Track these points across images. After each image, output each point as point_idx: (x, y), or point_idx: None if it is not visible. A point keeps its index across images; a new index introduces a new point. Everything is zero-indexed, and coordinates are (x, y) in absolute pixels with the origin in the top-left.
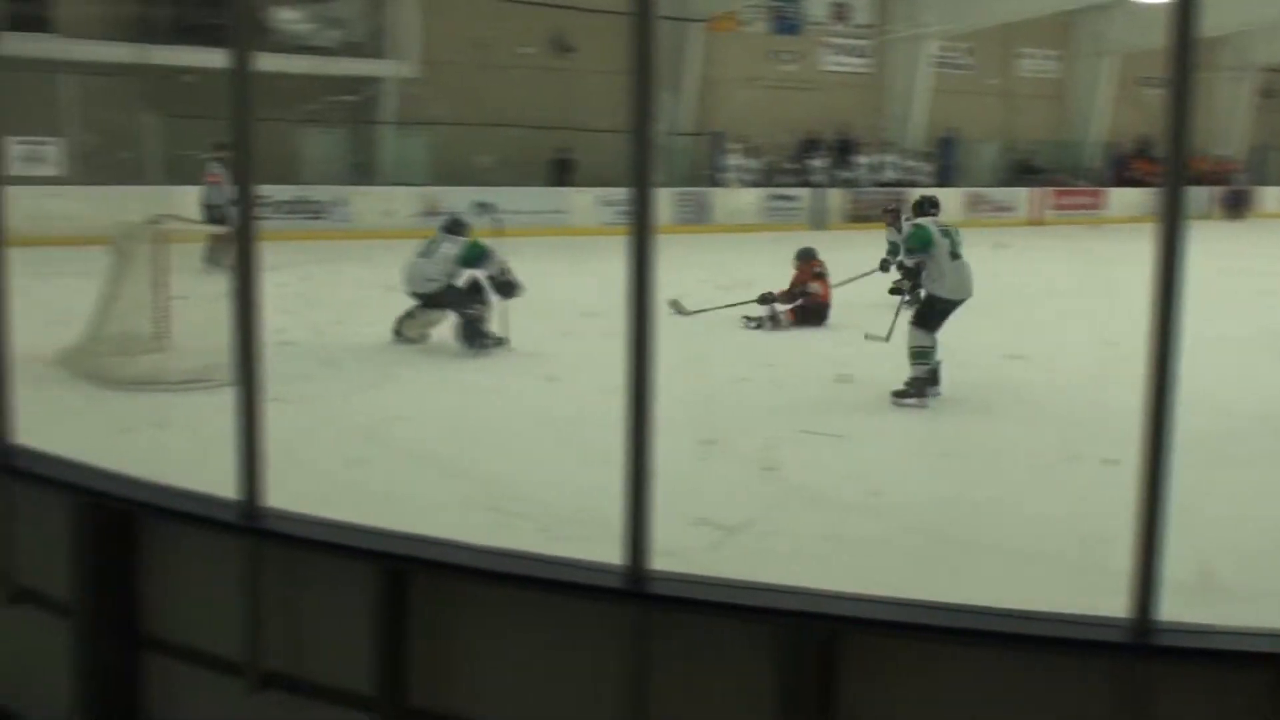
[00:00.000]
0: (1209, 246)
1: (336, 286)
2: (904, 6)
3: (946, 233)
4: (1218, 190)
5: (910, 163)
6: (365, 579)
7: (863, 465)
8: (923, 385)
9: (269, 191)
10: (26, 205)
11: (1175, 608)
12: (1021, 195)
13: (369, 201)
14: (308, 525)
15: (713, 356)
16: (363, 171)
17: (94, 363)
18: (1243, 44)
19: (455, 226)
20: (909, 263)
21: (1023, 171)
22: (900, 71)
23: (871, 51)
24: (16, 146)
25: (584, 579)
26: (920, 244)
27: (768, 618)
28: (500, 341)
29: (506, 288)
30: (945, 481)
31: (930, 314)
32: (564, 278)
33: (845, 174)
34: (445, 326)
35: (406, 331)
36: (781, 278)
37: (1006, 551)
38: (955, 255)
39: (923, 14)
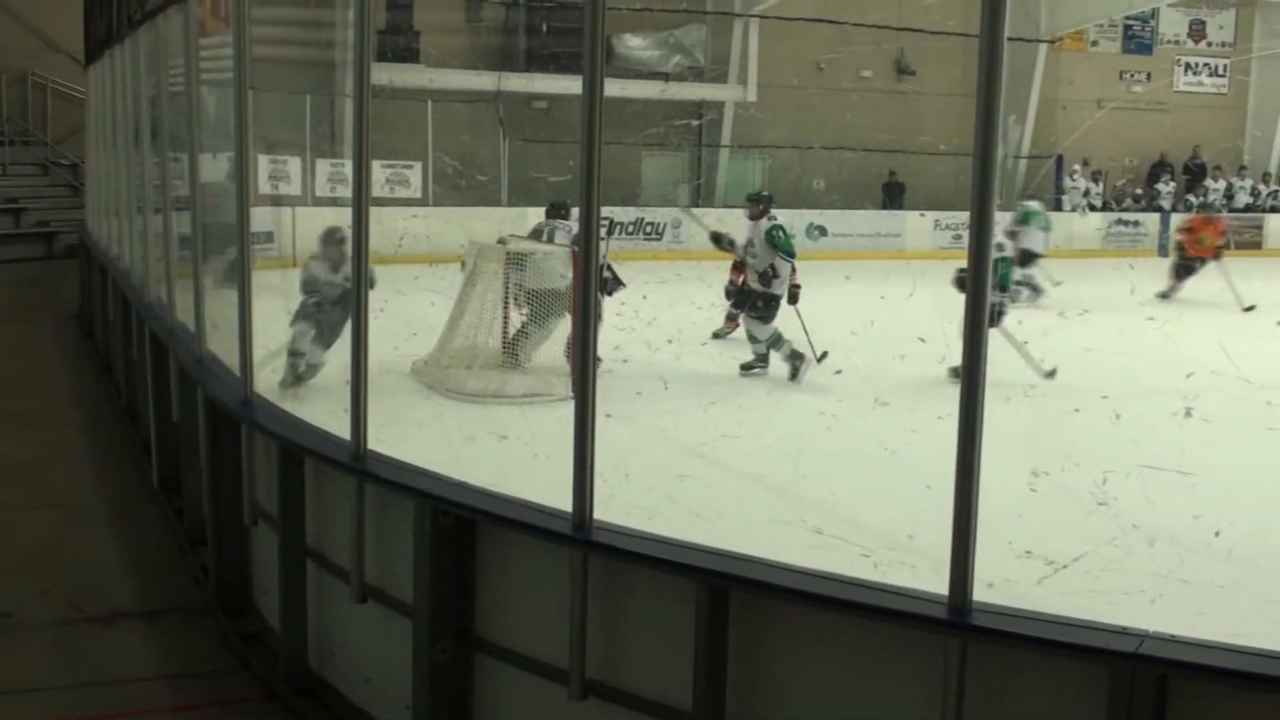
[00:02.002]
0: None
1: (672, 306)
2: (1265, 23)
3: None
4: None
5: (1272, 187)
6: (687, 594)
7: (1200, 501)
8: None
9: (610, 213)
10: (390, 226)
11: None
12: None
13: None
14: (634, 539)
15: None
16: (701, 195)
17: (443, 375)
18: None
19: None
20: None
21: None
22: (1263, 91)
23: (1231, 70)
24: (381, 170)
25: (906, 607)
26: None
27: (1095, 657)
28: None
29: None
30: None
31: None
32: (897, 301)
33: (1196, 199)
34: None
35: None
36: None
37: None
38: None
39: None
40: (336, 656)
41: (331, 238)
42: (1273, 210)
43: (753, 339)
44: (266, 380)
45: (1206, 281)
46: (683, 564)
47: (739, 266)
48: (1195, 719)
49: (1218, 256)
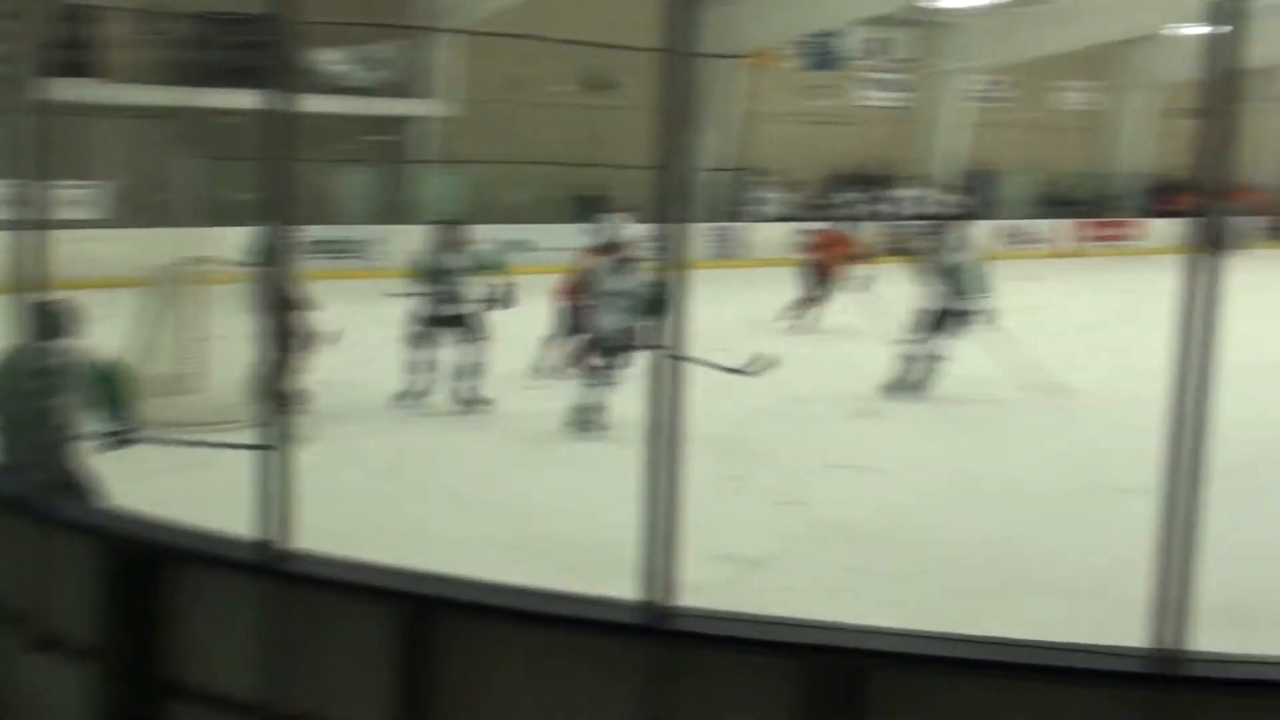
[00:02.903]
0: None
1: (372, 325)
2: (943, 41)
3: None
4: (1263, 220)
5: (945, 196)
6: (386, 618)
7: (886, 498)
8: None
9: (307, 230)
10: (69, 248)
11: (1206, 638)
12: (1056, 227)
13: (407, 240)
14: (329, 566)
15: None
16: (397, 211)
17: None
18: None
19: None
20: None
21: (1059, 204)
22: (935, 105)
23: (908, 86)
24: (60, 190)
25: (603, 615)
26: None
27: (792, 653)
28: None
29: None
30: (970, 515)
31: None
32: None
33: (877, 208)
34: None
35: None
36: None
37: (1032, 584)
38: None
39: (962, 48)
40: (12, 709)
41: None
42: (945, 218)
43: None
44: None
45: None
46: (379, 588)
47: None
48: (891, 705)
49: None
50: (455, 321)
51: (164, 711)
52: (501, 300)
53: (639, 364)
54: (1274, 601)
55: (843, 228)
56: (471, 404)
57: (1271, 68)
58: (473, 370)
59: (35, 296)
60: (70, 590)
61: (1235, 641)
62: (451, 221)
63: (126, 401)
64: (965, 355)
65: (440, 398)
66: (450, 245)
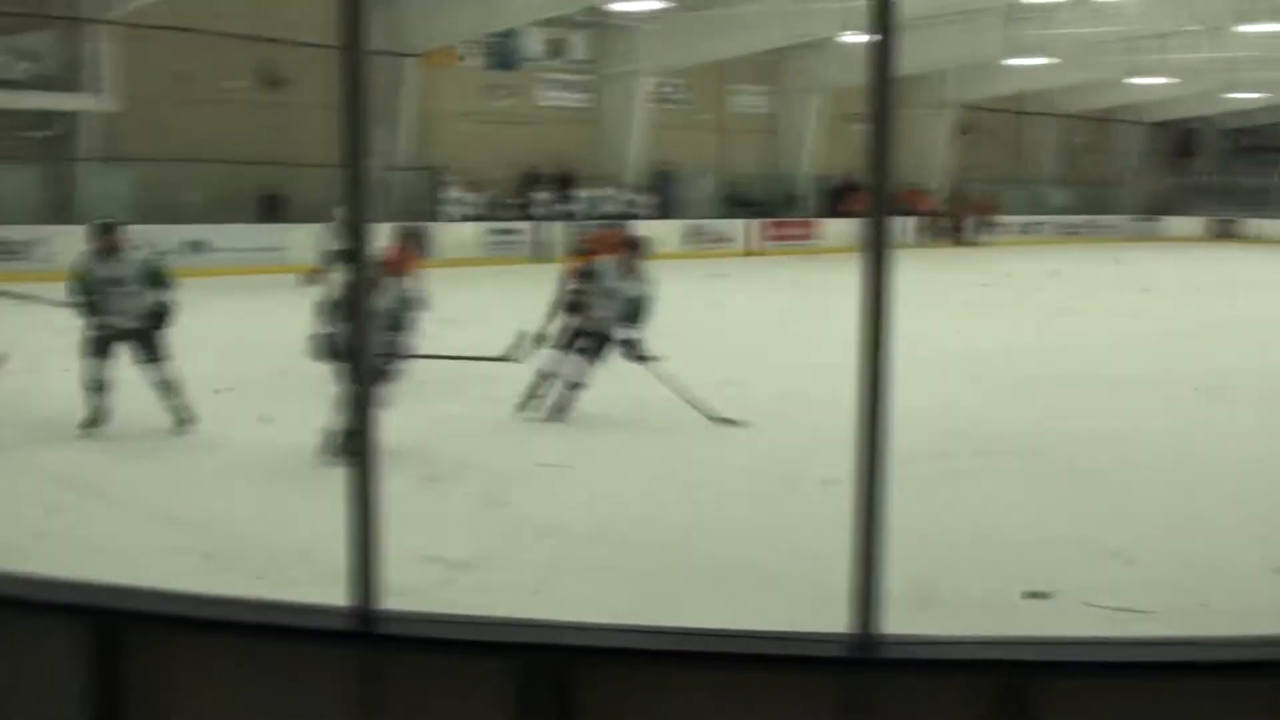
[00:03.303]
0: (916, 273)
1: (34, 329)
2: (619, 44)
3: None
4: (924, 220)
5: (630, 196)
6: (70, 637)
7: (588, 494)
8: None
9: None
10: None
11: (896, 621)
12: (738, 227)
13: (72, 241)
14: (8, 582)
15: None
16: (61, 210)
17: None
18: (940, 82)
19: None
20: None
21: (738, 204)
22: (617, 107)
23: (589, 87)
24: None
25: (308, 622)
26: None
27: (496, 652)
28: None
29: None
30: (667, 506)
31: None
32: (277, 315)
33: (567, 208)
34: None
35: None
36: (506, 311)
37: (732, 572)
38: None
39: (637, 51)
40: None
41: None
42: (632, 217)
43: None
44: None
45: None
46: (63, 603)
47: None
48: (599, 700)
49: None
50: (127, 336)
51: None
52: (161, 317)
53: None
54: (954, 584)
55: (618, 226)
56: (181, 424)
57: (923, 75)
58: (165, 389)
59: None
60: None
61: (921, 624)
62: (106, 224)
63: None
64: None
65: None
66: (106, 251)
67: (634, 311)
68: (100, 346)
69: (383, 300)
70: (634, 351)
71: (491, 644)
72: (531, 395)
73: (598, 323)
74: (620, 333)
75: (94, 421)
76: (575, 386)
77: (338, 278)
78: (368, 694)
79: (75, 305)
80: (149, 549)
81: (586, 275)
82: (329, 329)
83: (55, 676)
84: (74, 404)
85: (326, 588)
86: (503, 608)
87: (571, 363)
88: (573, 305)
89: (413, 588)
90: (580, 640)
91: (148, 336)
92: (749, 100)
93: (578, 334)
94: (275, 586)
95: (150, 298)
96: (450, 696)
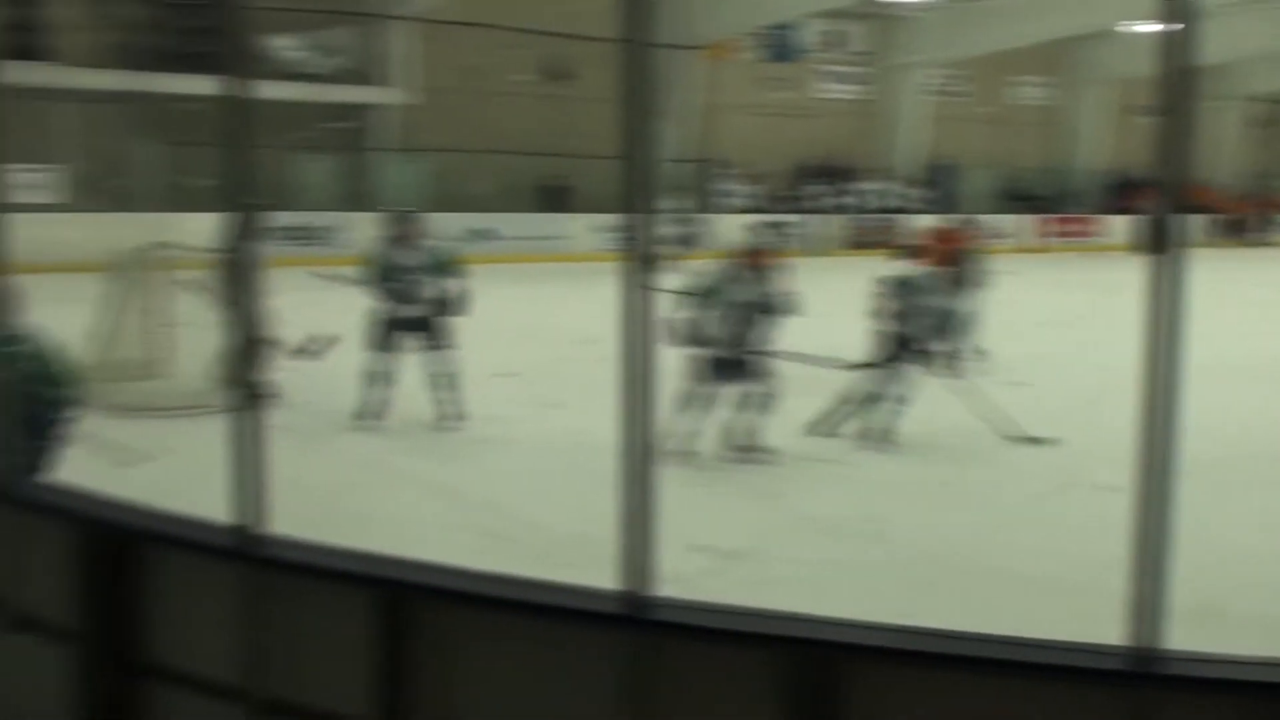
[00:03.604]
0: (1210, 274)
1: (340, 314)
2: (898, 35)
3: None
4: (1220, 218)
5: (905, 190)
6: (362, 603)
7: (862, 494)
8: None
9: (267, 217)
10: (24, 232)
11: (1179, 635)
12: (1017, 222)
13: (365, 228)
14: (304, 550)
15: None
16: (358, 198)
17: (94, 388)
18: (1231, 74)
19: None
20: None
21: (1016, 199)
22: (894, 99)
23: (865, 79)
24: (15, 174)
25: (581, 604)
26: None
27: (766, 644)
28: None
29: None
30: (946, 507)
31: None
32: (560, 304)
33: (841, 201)
34: None
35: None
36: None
37: (1007, 578)
38: None
39: (917, 42)
40: None
41: None
42: (908, 211)
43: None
44: None
45: None
46: (355, 573)
47: None
48: (867, 699)
49: None
50: (415, 325)
51: (141, 694)
52: (454, 306)
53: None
54: (1245, 600)
55: (959, 220)
56: (447, 419)
57: (1224, 65)
58: (447, 382)
59: None
60: (45, 573)
61: (1200, 640)
62: (404, 213)
63: (69, 385)
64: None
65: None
66: (402, 239)
67: (954, 325)
68: (388, 335)
69: (744, 294)
70: (950, 366)
71: (759, 635)
72: (839, 416)
73: (915, 336)
74: (938, 346)
75: (373, 413)
76: (898, 403)
77: (700, 265)
78: (635, 677)
79: (369, 287)
80: (433, 525)
81: (903, 286)
82: (688, 315)
83: (346, 640)
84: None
85: (601, 571)
86: (771, 600)
87: (889, 379)
88: (889, 316)
89: (682, 575)
90: (850, 638)
91: (435, 325)
92: (1029, 92)
93: (896, 347)
94: (553, 568)
95: (440, 286)
96: (716, 684)
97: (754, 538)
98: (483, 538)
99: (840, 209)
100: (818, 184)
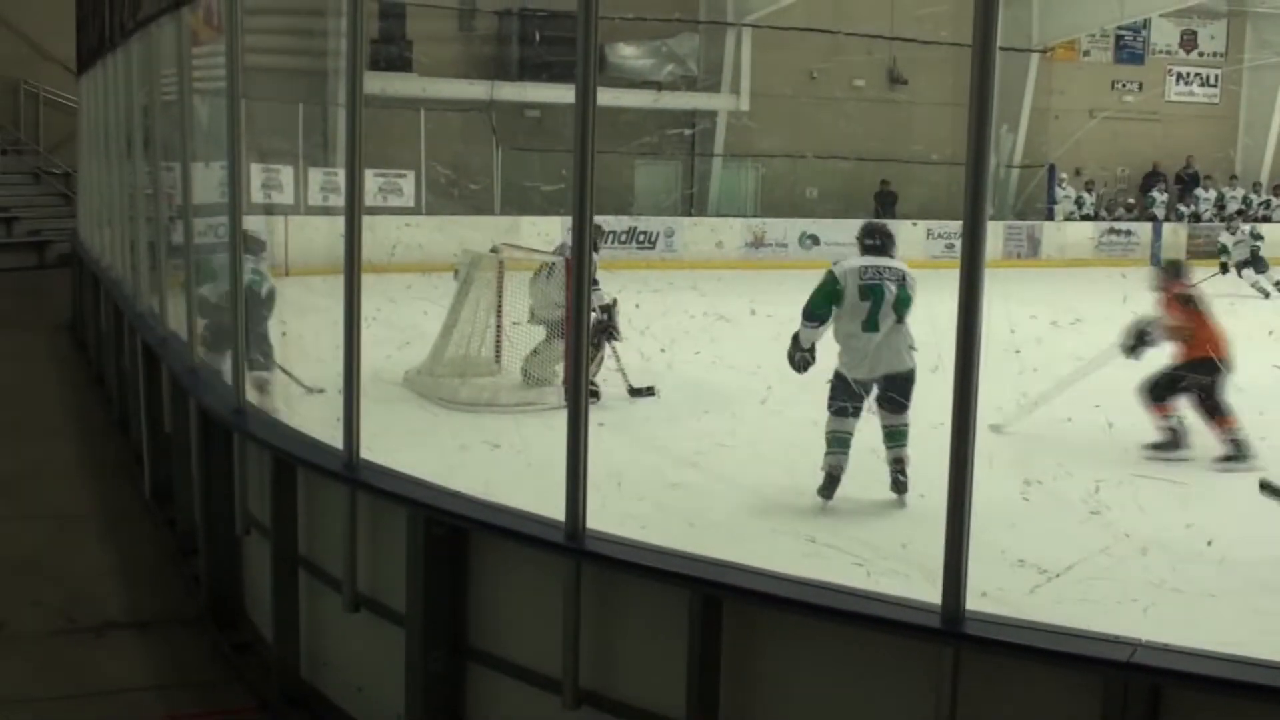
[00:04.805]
0: None
1: (665, 315)
2: (1260, 33)
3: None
4: None
5: (1267, 198)
6: (680, 603)
7: (1195, 513)
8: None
9: (602, 221)
10: (382, 234)
11: None
12: None
13: (698, 232)
14: (627, 548)
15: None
16: (693, 203)
17: (435, 384)
18: None
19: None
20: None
21: None
22: (1255, 101)
23: (1221, 80)
24: (374, 179)
25: (899, 615)
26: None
27: (1087, 666)
28: (640, 392)
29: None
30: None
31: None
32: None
33: (1190, 209)
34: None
35: (535, 371)
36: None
37: None
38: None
39: (1274, 40)
40: (329, 666)
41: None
42: (1264, 219)
43: None
44: None
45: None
46: (675, 573)
47: None
48: None
49: None
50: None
51: (469, 677)
52: None
53: None
54: None
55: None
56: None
57: None
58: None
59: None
60: (385, 557)
61: None
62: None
63: None
64: None
65: None
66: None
67: None
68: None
69: None
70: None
71: (1076, 656)
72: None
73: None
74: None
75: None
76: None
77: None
78: (951, 691)
79: None
80: (755, 529)
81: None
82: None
83: (663, 639)
84: (702, 388)
85: (920, 583)
86: (1093, 620)
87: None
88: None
89: (1002, 590)
90: (1174, 664)
91: None
92: None
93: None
94: (871, 577)
95: None
96: (1031, 703)
97: (1074, 554)
98: (803, 543)
99: (1188, 217)
100: (1163, 190)
